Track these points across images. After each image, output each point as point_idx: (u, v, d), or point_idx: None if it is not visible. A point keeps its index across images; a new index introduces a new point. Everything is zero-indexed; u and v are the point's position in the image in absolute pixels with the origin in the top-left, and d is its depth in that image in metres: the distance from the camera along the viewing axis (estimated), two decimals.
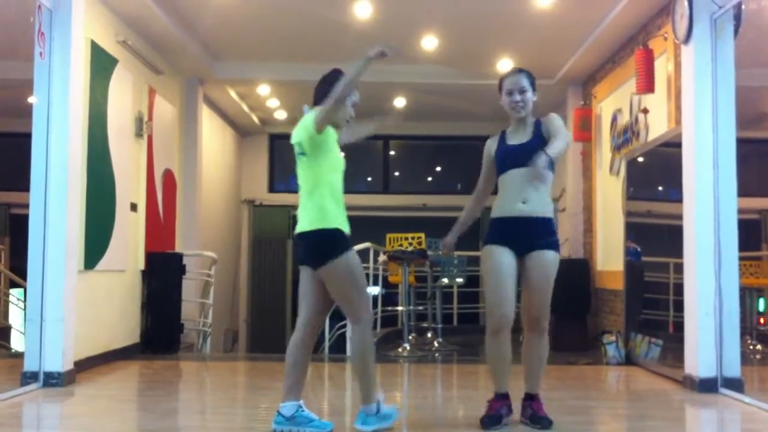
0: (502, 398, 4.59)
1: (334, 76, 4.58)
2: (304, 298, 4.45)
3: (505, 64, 9.82)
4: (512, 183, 4.54)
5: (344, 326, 8.92)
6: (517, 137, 4.66)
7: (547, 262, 4.50)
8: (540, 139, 4.54)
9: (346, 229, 4.38)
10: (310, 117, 4.43)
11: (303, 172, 4.46)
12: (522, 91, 4.65)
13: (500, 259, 4.49)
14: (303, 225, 4.38)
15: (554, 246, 4.55)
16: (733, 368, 5.94)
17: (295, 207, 12.20)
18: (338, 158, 4.53)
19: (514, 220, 4.51)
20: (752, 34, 6.32)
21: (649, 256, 7.69)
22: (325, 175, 4.42)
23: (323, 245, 4.30)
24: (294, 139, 4.49)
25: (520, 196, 4.50)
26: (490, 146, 4.77)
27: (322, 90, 4.53)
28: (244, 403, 5.62)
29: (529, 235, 4.49)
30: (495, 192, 4.75)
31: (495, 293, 4.47)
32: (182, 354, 8.69)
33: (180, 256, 8.96)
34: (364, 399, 4.40)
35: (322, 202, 4.36)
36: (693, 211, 6.09)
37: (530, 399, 4.64)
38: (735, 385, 5.85)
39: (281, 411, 4.32)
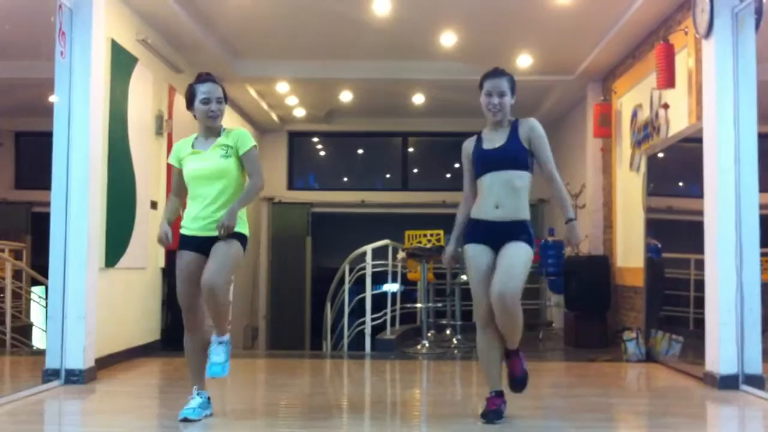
0: (499, 395, 4.66)
1: None
2: None
3: (524, 60, 9.80)
4: (488, 187, 4.62)
5: (363, 323, 8.95)
6: (493, 140, 4.70)
7: (517, 247, 4.54)
8: (516, 142, 4.62)
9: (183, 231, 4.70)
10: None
11: None
12: (501, 95, 4.65)
13: (479, 259, 4.61)
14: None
15: (527, 241, 4.60)
16: (755, 365, 5.90)
17: (314, 204, 12.22)
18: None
19: (488, 224, 4.61)
20: None
21: (670, 252, 7.64)
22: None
23: None
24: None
25: (494, 200, 4.60)
26: (468, 148, 4.82)
27: None
28: (264, 400, 5.64)
29: (502, 236, 4.57)
30: None
31: (477, 290, 4.61)
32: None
33: None
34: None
35: None
36: (714, 207, 6.05)
37: (507, 356, 4.74)
38: (756, 382, 5.81)
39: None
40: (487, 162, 4.65)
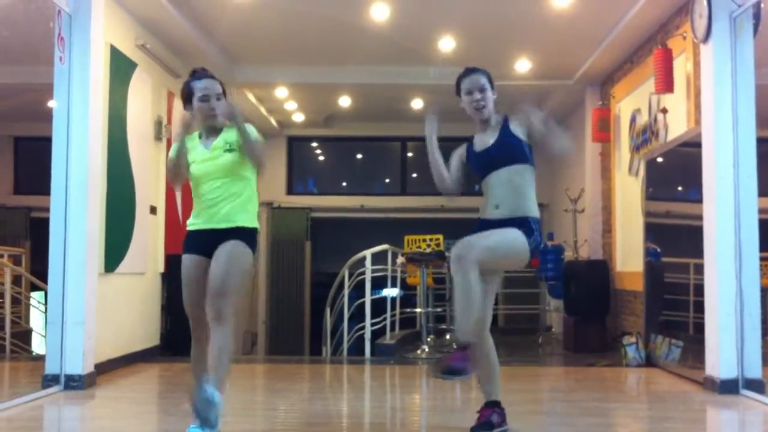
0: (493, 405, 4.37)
1: None
2: None
3: (522, 65, 9.81)
4: (490, 188, 4.44)
5: (362, 328, 8.94)
6: (484, 141, 4.52)
7: (504, 228, 4.29)
8: (509, 136, 4.40)
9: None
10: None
11: None
12: (481, 90, 4.53)
13: None
14: None
15: (519, 227, 4.27)
16: (755, 369, 5.89)
17: (313, 209, 12.27)
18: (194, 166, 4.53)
19: (489, 222, 4.36)
20: None
21: (669, 256, 7.64)
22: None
23: None
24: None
25: (495, 201, 4.39)
26: (462, 153, 4.73)
27: None
28: (264, 405, 5.64)
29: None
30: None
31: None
32: None
33: None
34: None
35: None
36: (713, 212, 6.05)
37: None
38: (756, 386, 5.81)
39: None
40: (482, 164, 4.48)
